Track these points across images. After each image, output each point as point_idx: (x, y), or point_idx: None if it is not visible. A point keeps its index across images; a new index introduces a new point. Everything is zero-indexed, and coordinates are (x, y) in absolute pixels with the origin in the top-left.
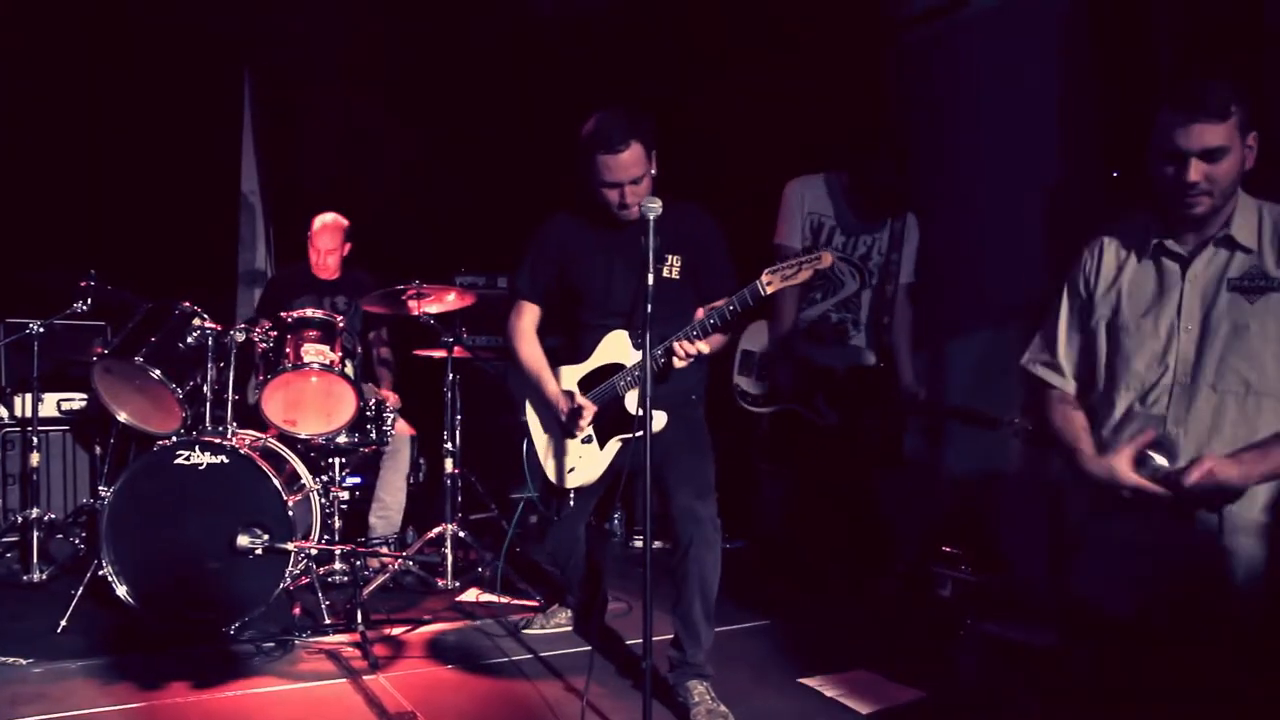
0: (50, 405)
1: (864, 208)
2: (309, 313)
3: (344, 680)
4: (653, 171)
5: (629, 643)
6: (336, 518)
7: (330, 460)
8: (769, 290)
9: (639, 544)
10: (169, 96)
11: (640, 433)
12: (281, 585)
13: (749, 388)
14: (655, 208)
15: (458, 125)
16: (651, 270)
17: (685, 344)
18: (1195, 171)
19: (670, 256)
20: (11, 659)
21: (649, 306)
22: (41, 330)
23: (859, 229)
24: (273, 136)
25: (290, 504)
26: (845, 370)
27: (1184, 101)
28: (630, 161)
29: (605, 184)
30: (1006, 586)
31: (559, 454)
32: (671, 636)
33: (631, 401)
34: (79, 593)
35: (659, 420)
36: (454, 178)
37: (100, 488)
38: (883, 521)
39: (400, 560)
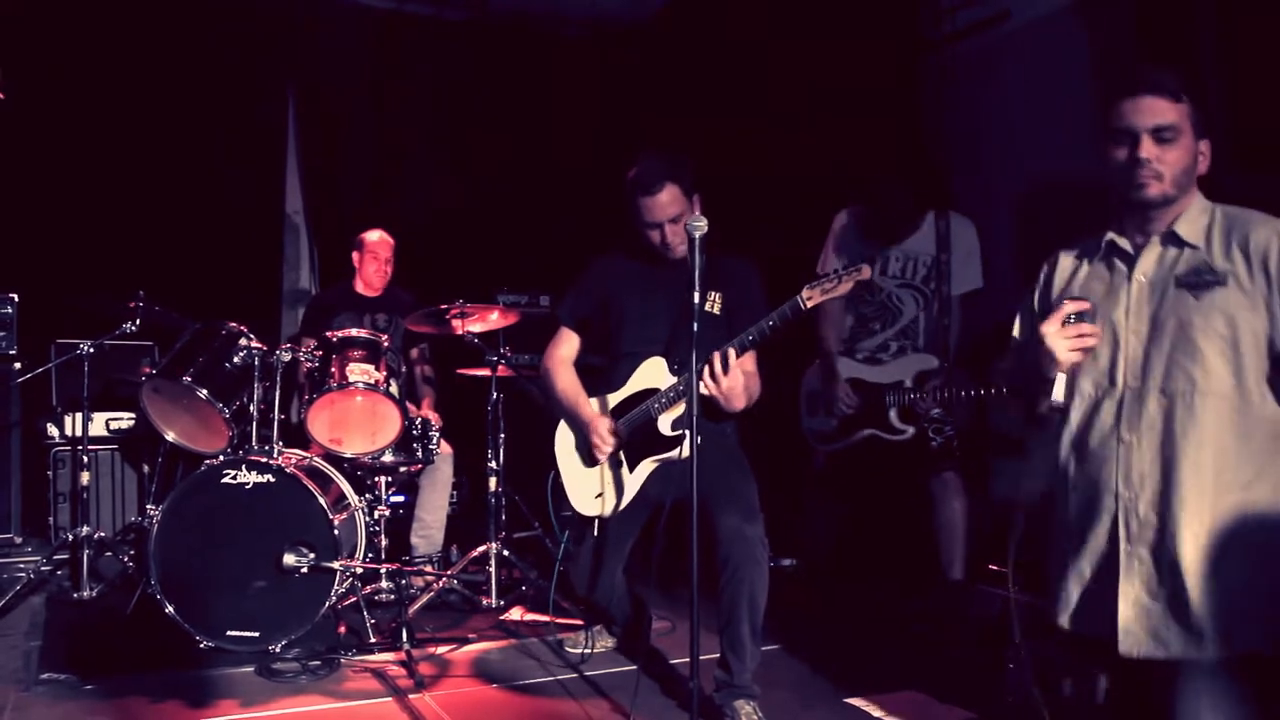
0: (99, 424)
1: (886, 229)
2: (354, 332)
3: (390, 699)
4: (695, 212)
5: (674, 662)
6: (381, 536)
7: (375, 479)
8: (809, 304)
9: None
10: (215, 121)
11: (675, 452)
12: (327, 604)
13: (820, 426)
14: (701, 226)
15: (497, 146)
16: (697, 288)
17: (720, 357)
18: (1146, 148)
19: (712, 292)
20: (63, 675)
21: (695, 325)
22: (91, 351)
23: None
24: (316, 158)
25: (336, 523)
26: (914, 379)
27: (1136, 80)
28: (667, 202)
29: (646, 224)
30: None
31: (587, 482)
32: (718, 656)
33: (664, 424)
34: (129, 610)
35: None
36: (493, 198)
37: (148, 506)
38: (933, 534)
39: (445, 579)
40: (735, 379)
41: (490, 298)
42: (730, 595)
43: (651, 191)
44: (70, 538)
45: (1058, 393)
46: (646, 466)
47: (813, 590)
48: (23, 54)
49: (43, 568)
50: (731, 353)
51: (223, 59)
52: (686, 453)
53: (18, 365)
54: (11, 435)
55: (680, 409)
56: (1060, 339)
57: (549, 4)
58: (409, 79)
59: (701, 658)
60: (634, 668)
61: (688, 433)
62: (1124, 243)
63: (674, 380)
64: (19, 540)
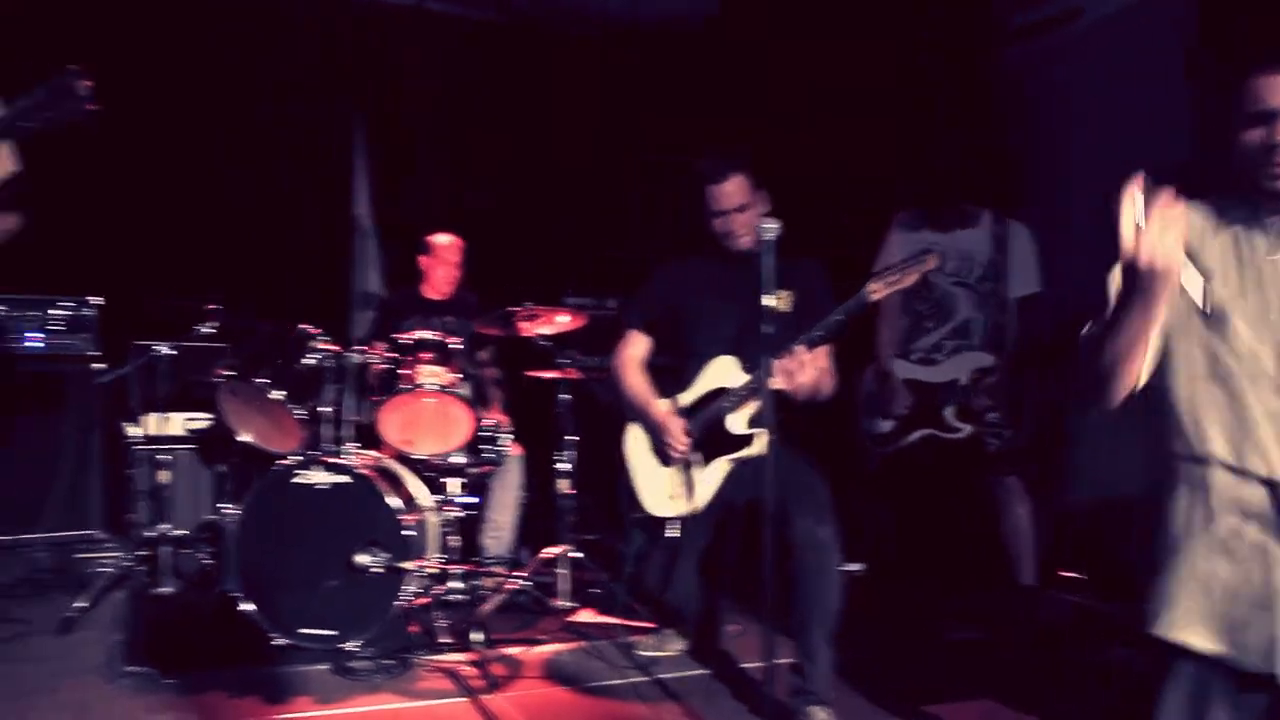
0: (177, 424)
1: (942, 220)
2: (425, 335)
3: (463, 699)
4: (762, 208)
5: (745, 666)
6: (452, 537)
7: (445, 480)
8: (874, 297)
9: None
10: (285, 127)
11: (748, 451)
12: (399, 604)
13: (877, 428)
14: (773, 228)
15: (562, 148)
16: (767, 288)
17: (791, 355)
18: None
19: (781, 291)
20: (145, 669)
21: (765, 326)
22: (170, 353)
23: (957, 243)
24: (384, 162)
25: (408, 523)
26: (970, 378)
27: (1275, 57)
28: (733, 190)
29: (713, 214)
30: (1132, 612)
31: (660, 481)
32: (791, 661)
33: (736, 423)
34: (207, 607)
35: (764, 439)
36: (559, 201)
37: (223, 505)
38: (1001, 540)
39: (516, 580)
40: (808, 374)
41: (556, 300)
42: (804, 598)
43: (718, 180)
44: (150, 535)
45: (1193, 290)
46: (720, 466)
47: (877, 594)
48: (111, 67)
49: (124, 564)
50: (800, 349)
51: (293, 65)
52: (760, 452)
53: (100, 366)
54: (94, 434)
55: (752, 407)
56: (1160, 232)
57: (615, 7)
58: (476, 82)
59: (775, 662)
60: (706, 671)
61: (760, 432)
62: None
63: (745, 379)
64: (101, 536)
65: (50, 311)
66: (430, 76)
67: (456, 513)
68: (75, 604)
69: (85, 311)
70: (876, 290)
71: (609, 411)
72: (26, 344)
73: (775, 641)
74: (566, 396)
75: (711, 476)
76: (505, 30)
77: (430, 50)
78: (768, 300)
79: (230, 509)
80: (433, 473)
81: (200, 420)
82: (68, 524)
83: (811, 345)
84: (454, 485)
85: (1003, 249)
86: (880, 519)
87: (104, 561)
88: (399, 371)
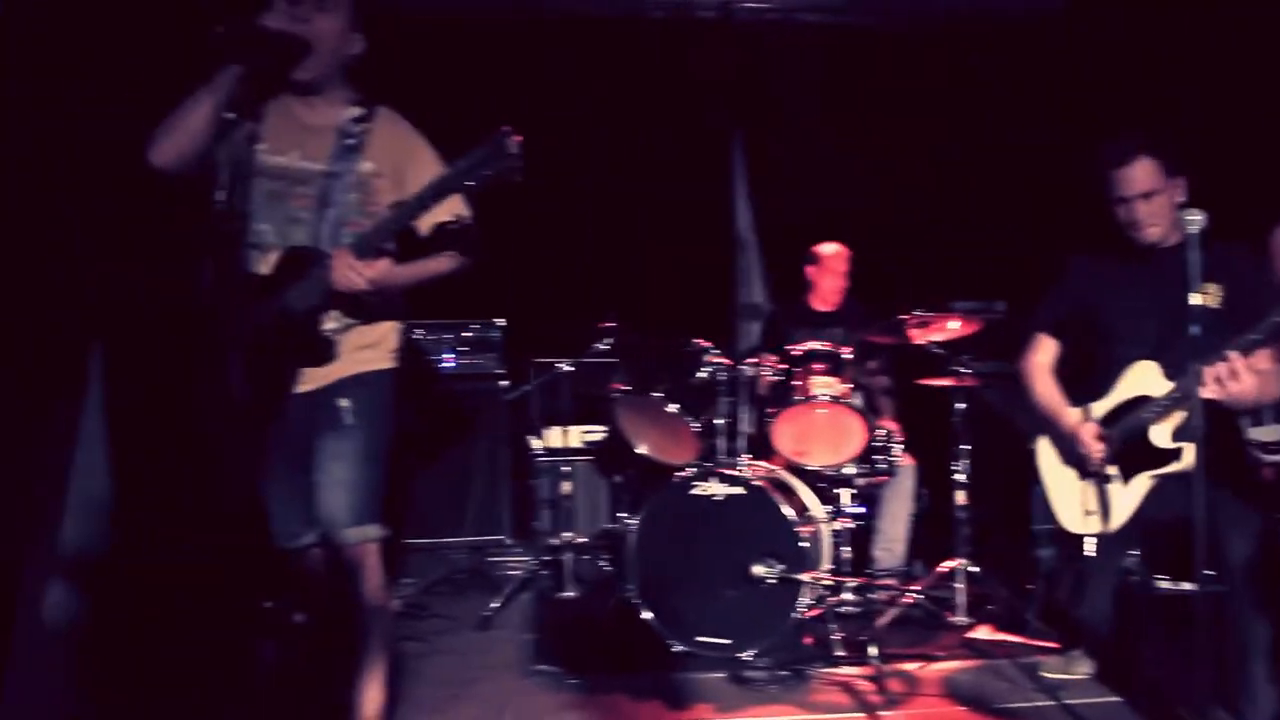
0: (575, 437)
1: None
2: (816, 345)
3: (860, 715)
4: (1179, 199)
5: (1164, 696)
6: (844, 548)
7: (836, 490)
8: None
9: (1164, 584)
10: (666, 147)
11: (1175, 466)
12: (794, 615)
13: (1265, 436)
14: (1197, 220)
15: (942, 149)
16: (1193, 284)
17: (1226, 363)
18: None
19: (1209, 284)
20: (553, 668)
21: (1192, 327)
22: (568, 369)
23: None
24: (763, 176)
25: (803, 535)
26: None
27: None
28: (1139, 176)
29: (1116, 199)
30: None
31: (1075, 496)
32: (1226, 698)
33: (1160, 434)
34: (609, 611)
35: (1190, 454)
36: (940, 202)
37: (621, 514)
38: None
39: (911, 594)
40: (1246, 382)
41: (943, 305)
42: (1243, 632)
43: (1123, 163)
44: (553, 542)
45: None
46: (1142, 482)
47: None
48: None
49: (530, 568)
50: (1235, 355)
51: (670, 86)
52: (1187, 467)
53: (505, 383)
54: (502, 447)
55: (1177, 418)
56: None
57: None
58: (851, 91)
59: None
60: (1118, 699)
61: (1188, 445)
62: None
63: (1169, 386)
64: (509, 542)
65: (462, 334)
66: (804, 87)
67: (848, 524)
68: (490, 604)
69: (492, 333)
70: None
71: (1004, 419)
72: (442, 364)
73: (1208, 677)
74: (960, 405)
75: (1131, 492)
76: (873, 35)
77: (802, 60)
78: (1194, 298)
79: (628, 518)
80: (824, 483)
81: (598, 433)
82: (481, 530)
83: (1247, 350)
84: (845, 496)
85: None
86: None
87: (513, 565)
88: (791, 383)
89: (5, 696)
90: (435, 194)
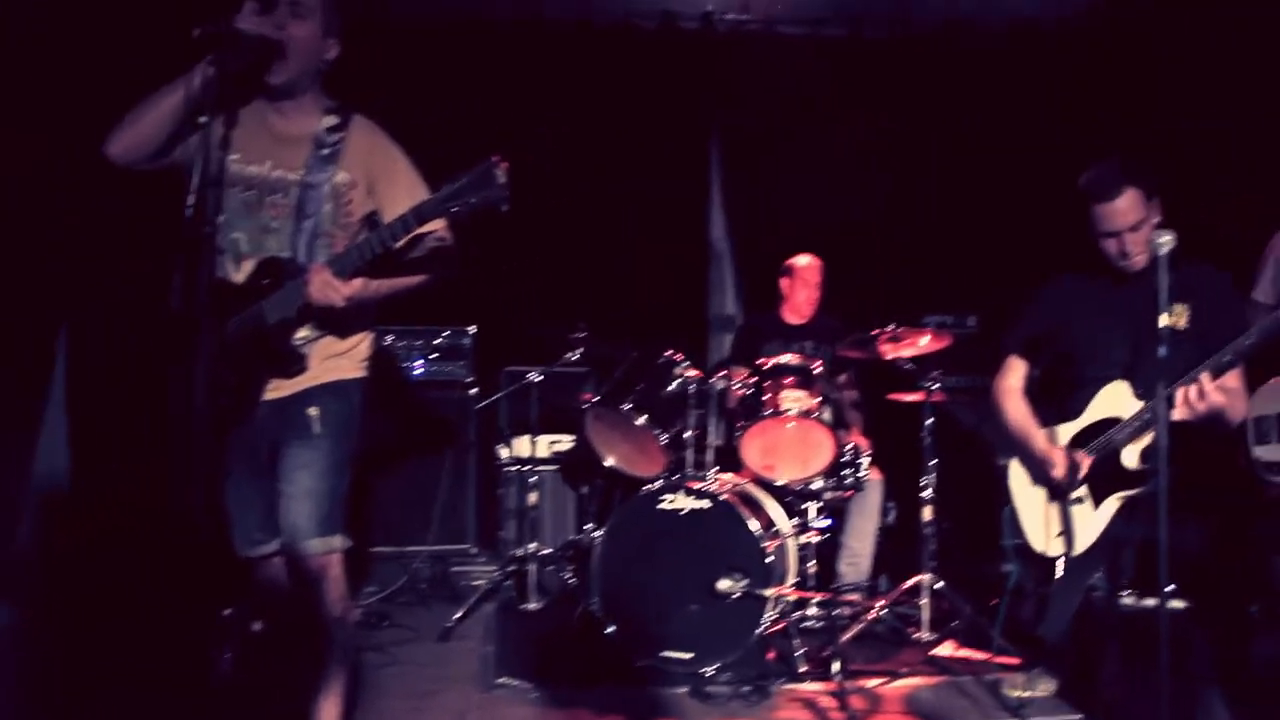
0: (542, 447)
1: None
2: (787, 359)
3: None
4: (1156, 219)
5: (1128, 715)
6: (810, 563)
7: (803, 504)
8: None
9: (1127, 602)
10: (642, 156)
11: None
12: (758, 630)
13: (1272, 456)
14: (1167, 242)
15: (917, 164)
16: (1162, 306)
17: (1195, 384)
18: None
19: (1178, 305)
20: (516, 681)
21: (1161, 348)
22: (539, 378)
23: None
24: (739, 185)
25: (769, 550)
26: None
27: None
28: (1125, 208)
29: (1103, 234)
30: None
31: (1045, 518)
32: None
33: (1130, 456)
34: (572, 624)
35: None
36: (914, 218)
37: (587, 526)
38: None
39: (876, 609)
40: (1213, 402)
41: (914, 320)
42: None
43: (1108, 198)
44: (518, 553)
45: None
46: (1112, 504)
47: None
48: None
49: (494, 578)
50: (1205, 377)
51: (647, 95)
52: (1155, 489)
53: (474, 392)
54: (469, 456)
55: (1149, 439)
56: None
57: (968, 10)
58: (829, 103)
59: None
60: (1079, 716)
61: (1156, 467)
62: None
63: (1139, 407)
64: (474, 551)
65: (432, 341)
66: (781, 99)
67: (814, 538)
68: (453, 615)
69: (462, 340)
70: None
71: (972, 435)
72: (411, 371)
73: (1170, 695)
74: (929, 420)
75: (1100, 513)
76: (860, 41)
77: (780, 74)
78: (1163, 320)
79: (594, 530)
80: (791, 497)
81: (564, 443)
82: (445, 538)
83: (1217, 372)
84: (812, 510)
85: None
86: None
87: (477, 575)
88: (761, 396)
89: None
90: (418, 218)
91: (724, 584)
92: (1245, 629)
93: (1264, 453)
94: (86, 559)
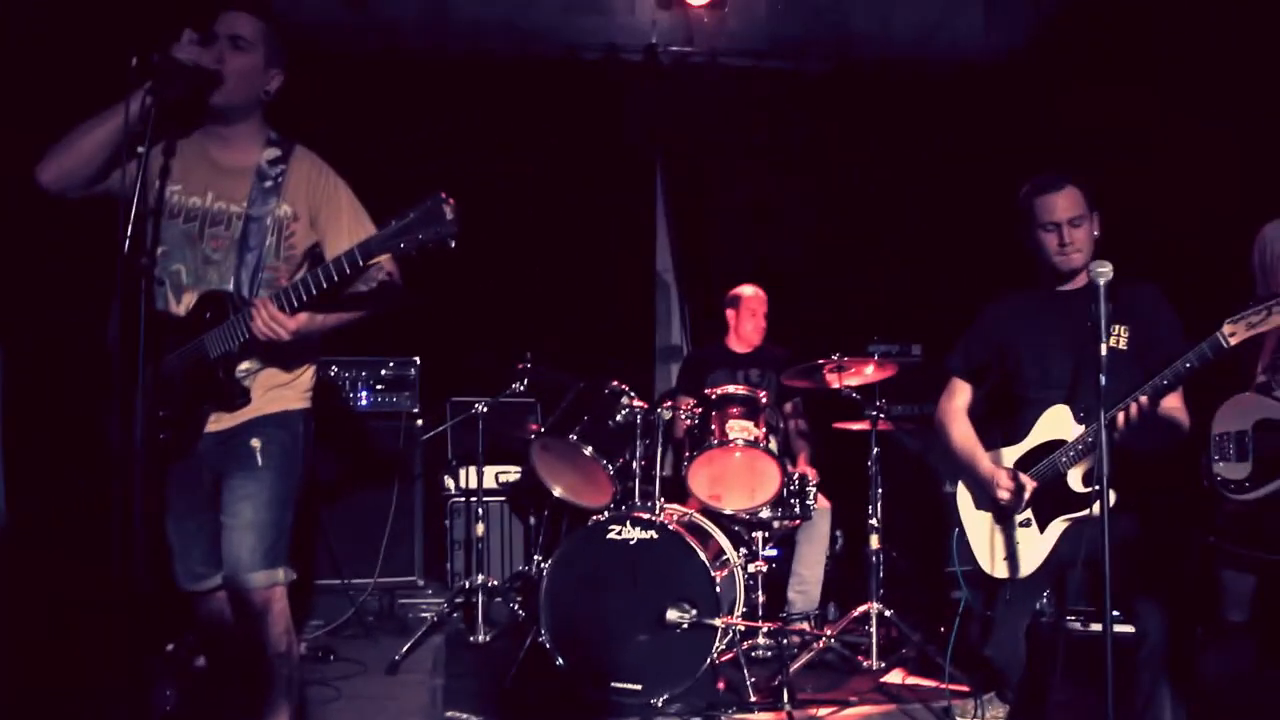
0: (489, 477)
1: None
2: (733, 389)
3: None
4: (1095, 233)
5: None
6: (759, 592)
7: (752, 534)
8: (1233, 341)
9: (1075, 625)
10: (587, 188)
11: (1088, 510)
12: (708, 660)
13: (1232, 474)
14: (1105, 272)
15: (861, 194)
16: (1101, 335)
17: (1135, 406)
18: None
19: (1117, 326)
20: (464, 715)
21: (1102, 377)
22: (485, 409)
23: None
24: (685, 217)
25: (717, 579)
26: None
27: None
28: (1067, 203)
29: (1044, 226)
30: None
31: (992, 540)
32: None
33: (1075, 479)
34: (521, 657)
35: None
36: (859, 249)
37: (535, 557)
38: None
39: (825, 638)
40: (1152, 423)
41: (859, 350)
42: (1148, 672)
43: (1052, 188)
44: (466, 584)
45: None
46: (1057, 526)
47: (1236, 656)
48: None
49: (442, 610)
50: (1144, 400)
51: (594, 128)
52: (1099, 512)
53: (420, 422)
54: (415, 487)
55: (1090, 462)
56: None
57: (908, 48)
58: (773, 134)
59: None
60: None
61: (1100, 490)
62: None
63: (1081, 430)
64: (421, 583)
65: (379, 372)
66: (725, 131)
67: (763, 567)
68: (401, 648)
69: (408, 371)
70: (1234, 333)
71: (919, 463)
72: (356, 403)
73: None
74: (876, 449)
75: (1049, 537)
76: (801, 75)
77: (724, 106)
78: (1102, 348)
79: (542, 561)
80: (739, 526)
81: (511, 473)
82: (392, 570)
83: (1156, 396)
84: (760, 539)
85: None
86: (1238, 573)
87: (424, 608)
88: (708, 426)
89: None
90: (365, 254)
91: (673, 614)
92: (1191, 644)
93: (1224, 470)
94: (23, 597)
